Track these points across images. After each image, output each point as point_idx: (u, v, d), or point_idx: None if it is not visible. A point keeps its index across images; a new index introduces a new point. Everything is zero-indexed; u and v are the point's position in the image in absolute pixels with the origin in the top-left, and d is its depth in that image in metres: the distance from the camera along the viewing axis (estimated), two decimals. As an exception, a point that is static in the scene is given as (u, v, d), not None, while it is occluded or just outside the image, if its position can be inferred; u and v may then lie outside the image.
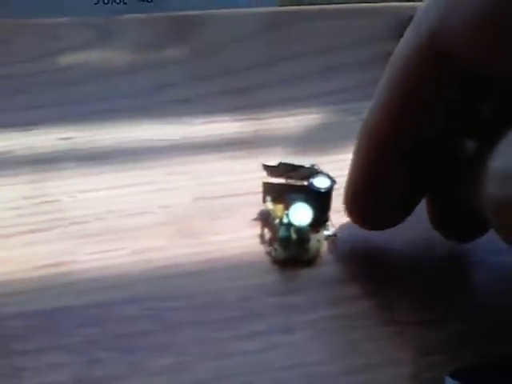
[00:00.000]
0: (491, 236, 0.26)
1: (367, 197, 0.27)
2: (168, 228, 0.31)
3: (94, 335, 0.26)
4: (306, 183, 0.30)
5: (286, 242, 0.29)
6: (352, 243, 0.30)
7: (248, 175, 0.32)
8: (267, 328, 0.27)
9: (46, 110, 0.37)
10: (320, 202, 0.30)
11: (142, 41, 0.42)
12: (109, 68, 0.40)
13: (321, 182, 0.30)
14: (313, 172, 0.30)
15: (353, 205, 0.28)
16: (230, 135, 0.35)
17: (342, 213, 0.29)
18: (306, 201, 0.29)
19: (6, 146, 0.35)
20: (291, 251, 0.29)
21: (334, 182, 0.30)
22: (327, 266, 0.29)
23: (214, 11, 0.46)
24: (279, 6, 0.48)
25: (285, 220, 0.29)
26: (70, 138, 0.35)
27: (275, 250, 0.29)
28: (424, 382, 0.25)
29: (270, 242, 0.30)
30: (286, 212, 0.29)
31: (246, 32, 0.43)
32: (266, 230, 0.30)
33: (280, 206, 0.30)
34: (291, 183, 0.30)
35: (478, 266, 0.30)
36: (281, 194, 0.30)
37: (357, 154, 0.28)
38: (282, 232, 0.29)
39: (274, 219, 0.30)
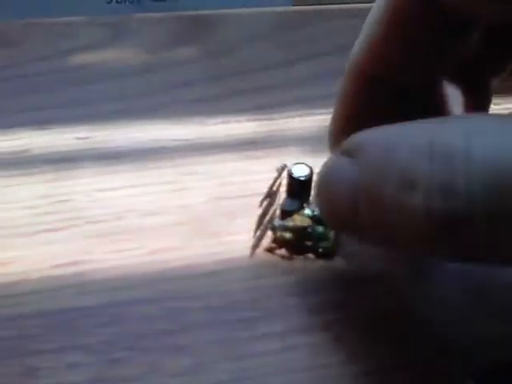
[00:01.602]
0: None
1: (352, 130, 0.27)
2: (184, 228, 0.31)
3: (112, 335, 0.26)
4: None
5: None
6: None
7: (264, 175, 0.32)
8: (284, 329, 0.27)
9: (61, 110, 0.37)
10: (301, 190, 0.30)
11: (156, 40, 0.42)
12: (123, 67, 0.40)
13: (300, 171, 0.30)
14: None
15: (337, 139, 0.28)
16: (245, 135, 0.35)
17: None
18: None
19: (22, 145, 0.35)
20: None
21: (312, 170, 0.30)
22: (341, 265, 0.29)
23: (227, 10, 0.46)
24: (293, 5, 0.47)
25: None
26: (86, 138, 0.35)
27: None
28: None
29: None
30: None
31: (261, 32, 0.43)
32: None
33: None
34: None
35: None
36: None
37: (342, 87, 0.28)
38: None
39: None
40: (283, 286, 0.29)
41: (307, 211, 0.30)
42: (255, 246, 0.30)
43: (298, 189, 0.30)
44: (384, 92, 0.27)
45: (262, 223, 0.30)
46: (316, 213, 0.29)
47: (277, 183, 0.31)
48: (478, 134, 0.20)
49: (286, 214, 0.30)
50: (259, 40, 0.42)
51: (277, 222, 0.30)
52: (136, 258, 0.29)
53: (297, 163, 0.30)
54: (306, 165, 0.30)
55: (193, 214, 0.31)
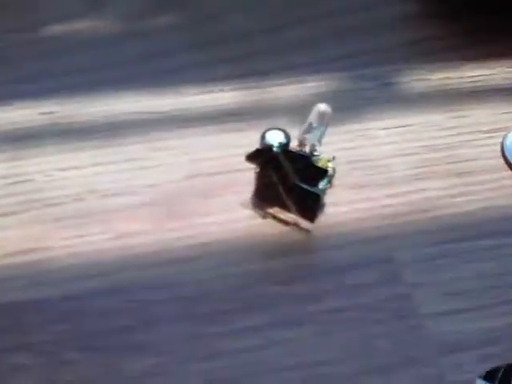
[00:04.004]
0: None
1: None
2: (154, 210, 0.27)
3: (64, 333, 0.23)
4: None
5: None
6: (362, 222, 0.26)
7: (246, 149, 0.28)
8: (266, 322, 0.23)
9: (27, 84, 0.34)
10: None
11: (134, 8, 0.38)
12: (98, 37, 0.36)
13: (274, 137, 0.26)
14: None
15: None
16: (228, 106, 0.32)
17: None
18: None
19: (-20, 123, 0.31)
20: None
21: (288, 137, 0.26)
22: (336, 250, 0.26)
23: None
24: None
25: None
26: (51, 113, 0.32)
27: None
28: (450, 386, 0.21)
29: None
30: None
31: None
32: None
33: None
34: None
35: None
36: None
37: None
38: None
39: None
40: (265, 272, 0.25)
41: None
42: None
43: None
44: None
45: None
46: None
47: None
48: None
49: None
50: (244, 6, 0.38)
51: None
52: (98, 244, 0.26)
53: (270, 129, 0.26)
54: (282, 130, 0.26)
55: (163, 194, 0.27)
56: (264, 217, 0.27)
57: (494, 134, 0.31)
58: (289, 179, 0.26)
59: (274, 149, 0.25)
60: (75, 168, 0.29)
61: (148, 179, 0.28)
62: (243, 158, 0.28)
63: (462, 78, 0.34)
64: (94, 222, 0.27)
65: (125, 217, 0.27)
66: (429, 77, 0.34)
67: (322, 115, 0.26)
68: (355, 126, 0.30)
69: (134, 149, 0.30)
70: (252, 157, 0.26)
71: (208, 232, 0.26)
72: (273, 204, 0.27)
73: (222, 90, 0.32)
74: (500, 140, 0.30)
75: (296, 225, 0.26)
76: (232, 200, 0.27)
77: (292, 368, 0.22)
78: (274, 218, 0.27)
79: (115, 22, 0.37)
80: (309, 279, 0.25)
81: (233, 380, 0.22)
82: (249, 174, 0.27)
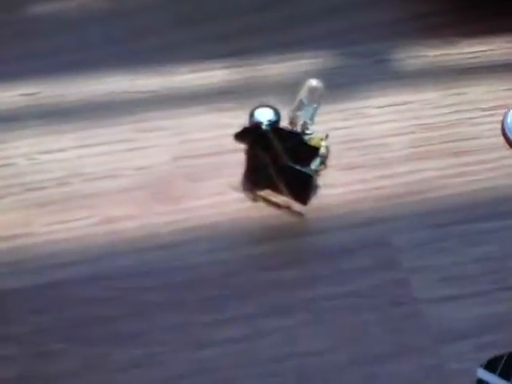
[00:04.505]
0: None
1: None
2: (141, 193, 0.26)
3: (47, 323, 0.22)
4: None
5: None
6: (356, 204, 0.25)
7: (237, 129, 0.27)
8: (256, 310, 0.22)
9: (10, 64, 0.32)
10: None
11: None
12: (83, 17, 0.35)
13: (263, 115, 0.25)
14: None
15: None
16: (218, 84, 0.30)
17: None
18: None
19: (-41, 104, 0.30)
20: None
21: (278, 115, 0.25)
22: (330, 233, 0.25)
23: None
24: None
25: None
26: (34, 94, 0.31)
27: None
28: (449, 375, 0.20)
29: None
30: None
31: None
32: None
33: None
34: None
35: None
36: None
37: None
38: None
39: None
40: (256, 257, 0.24)
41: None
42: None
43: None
44: None
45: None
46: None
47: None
48: None
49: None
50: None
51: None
52: (83, 230, 0.25)
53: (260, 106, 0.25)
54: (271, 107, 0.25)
55: (152, 177, 0.26)
56: (255, 200, 0.26)
57: (493, 112, 0.30)
58: (279, 159, 0.25)
59: (263, 126, 0.24)
60: (59, 151, 0.28)
61: (136, 161, 0.27)
62: (232, 139, 0.27)
63: (459, 54, 0.33)
64: (78, 206, 0.26)
65: (111, 201, 0.26)
66: (426, 53, 0.33)
67: (312, 91, 0.25)
68: (349, 105, 0.29)
69: (121, 130, 0.28)
70: (240, 135, 0.25)
71: (197, 216, 0.25)
72: (264, 186, 0.26)
73: (211, 69, 0.31)
74: (500, 118, 0.29)
75: (288, 208, 0.25)
76: (222, 183, 0.26)
77: (283, 358, 0.21)
78: (266, 200, 0.26)
79: (99, 1, 0.36)
80: (301, 264, 0.24)
81: (222, 370, 0.21)
82: (239, 155, 0.26)
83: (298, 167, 0.24)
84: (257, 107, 0.25)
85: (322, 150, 0.25)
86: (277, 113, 0.25)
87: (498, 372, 0.19)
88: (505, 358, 0.19)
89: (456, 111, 0.30)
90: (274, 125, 0.24)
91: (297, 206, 0.25)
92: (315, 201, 0.25)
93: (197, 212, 0.25)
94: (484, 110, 0.30)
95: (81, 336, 0.22)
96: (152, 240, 0.25)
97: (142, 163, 0.27)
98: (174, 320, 0.22)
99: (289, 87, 0.29)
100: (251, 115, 0.25)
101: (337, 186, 0.26)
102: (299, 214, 0.25)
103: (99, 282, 0.23)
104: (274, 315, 0.22)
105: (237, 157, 0.26)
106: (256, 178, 0.26)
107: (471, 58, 0.33)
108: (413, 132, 0.29)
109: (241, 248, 0.24)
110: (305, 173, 0.24)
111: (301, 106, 0.25)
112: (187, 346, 0.22)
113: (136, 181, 0.26)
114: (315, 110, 0.25)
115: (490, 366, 0.19)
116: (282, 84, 0.30)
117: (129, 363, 0.21)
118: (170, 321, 0.22)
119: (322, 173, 0.26)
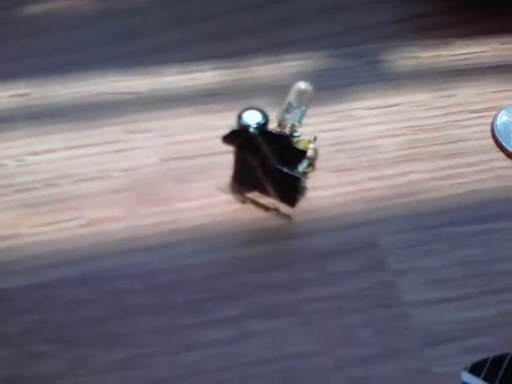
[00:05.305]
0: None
1: None
2: (129, 194, 0.26)
3: (34, 324, 0.22)
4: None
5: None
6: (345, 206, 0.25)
7: (225, 131, 0.27)
8: (243, 312, 0.22)
9: (3, 65, 0.32)
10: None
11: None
12: (74, 18, 0.35)
13: (251, 117, 0.25)
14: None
15: None
16: (206, 86, 0.30)
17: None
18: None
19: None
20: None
21: (266, 117, 0.25)
22: (318, 236, 0.25)
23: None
24: None
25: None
26: (24, 95, 0.31)
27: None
28: (435, 378, 0.20)
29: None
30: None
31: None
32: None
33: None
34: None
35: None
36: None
37: None
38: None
39: None
40: (243, 260, 0.24)
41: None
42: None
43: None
44: None
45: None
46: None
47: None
48: None
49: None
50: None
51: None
52: (71, 231, 0.25)
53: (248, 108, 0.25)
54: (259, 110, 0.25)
55: (139, 179, 0.26)
56: (243, 202, 0.26)
57: (483, 114, 0.30)
58: (267, 162, 0.25)
59: (251, 129, 0.24)
60: (48, 152, 0.28)
61: (123, 163, 0.27)
62: (220, 141, 0.27)
63: (452, 55, 0.33)
64: (66, 208, 0.26)
65: (98, 202, 0.26)
66: (418, 54, 0.33)
67: (301, 93, 0.25)
68: (339, 107, 0.29)
69: (110, 131, 0.28)
70: (228, 138, 0.25)
71: (185, 218, 0.25)
72: (252, 188, 0.26)
73: (200, 70, 0.31)
74: (490, 120, 0.29)
75: (276, 210, 0.25)
76: (210, 184, 0.26)
77: (270, 360, 0.21)
78: (254, 202, 0.26)
79: (92, 2, 0.36)
80: (289, 267, 0.24)
81: (208, 372, 0.21)
82: (228, 157, 0.26)
83: (285, 170, 0.24)
84: (245, 110, 0.25)
85: (310, 153, 0.25)
86: (265, 115, 0.25)
87: (482, 376, 0.19)
88: (489, 361, 0.19)
89: (446, 113, 0.30)
90: (261, 127, 0.24)
91: (285, 208, 0.25)
92: (303, 203, 0.25)
93: (184, 214, 0.25)
94: (474, 111, 0.30)
95: (68, 338, 0.22)
96: (138, 242, 0.24)
97: (129, 165, 0.27)
98: (160, 322, 0.22)
99: (278, 89, 0.29)
100: (239, 118, 0.25)
101: (325, 188, 0.26)
102: (287, 216, 0.25)
103: (86, 283, 0.23)
104: (261, 317, 0.22)
105: (225, 159, 0.26)
106: (244, 180, 0.26)
107: (463, 59, 0.33)
108: (403, 134, 0.29)
109: (228, 250, 0.24)
110: (292, 175, 0.24)
111: (289, 108, 0.25)
112: (173, 349, 0.21)
113: (123, 182, 0.26)
114: (303, 112, 0.25)
115: (475, 369, 0.19)
116: (271, 86, 0.30)
117: (112, 365, 0.21)
118: (156, 323, 0.22)
119: (311, 175, 0.26)
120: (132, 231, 0.25)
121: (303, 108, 0.25)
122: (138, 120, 0.29)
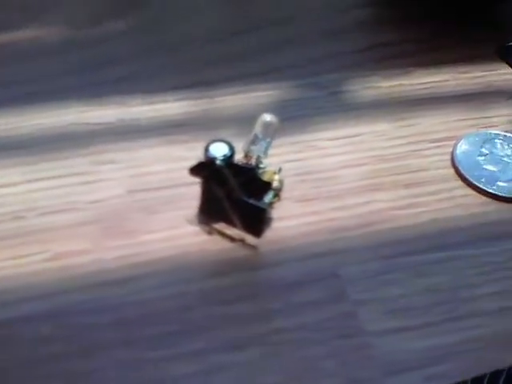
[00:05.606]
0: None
1: None
2: (95, 227, 0.26)
3: (0, 362, 0.22)
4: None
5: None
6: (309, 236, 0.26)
7: (192, 162, 0.28)
8: (210, 345, 0.22)
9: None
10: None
11: (77, 17, 0.37)
12: (39, 47, 0.35)
13: (218, 149, 0.25)
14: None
15: None
16: (173, 116, 0.31)
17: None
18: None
19: None
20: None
21: (233, 150, 0.25)
22: (283, 266, 0.25)
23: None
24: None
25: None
26: (-16, 128, 0.30)
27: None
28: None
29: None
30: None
31: (196, 4, 0.38)
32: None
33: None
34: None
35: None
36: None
37: None
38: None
39: None
40: (210, 291, 0.24)
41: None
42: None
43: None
44: None
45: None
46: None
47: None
48: None
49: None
50: (192, 14, 0.37)
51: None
52: (35, 265, 0.25)
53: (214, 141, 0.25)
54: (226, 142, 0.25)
55: (105, 211, 0.26)
56: (210, 233, 0.26)
57: (444, 143, 0.31)
58: (234, 193, 0.25)
59: (218, 161, 0.24)
60: (13, 185, 0.27)
61: (90, 195, 0.27)
62: (186, 172, 0.27)
63: (413, 85, 0.34)
64: (31, 241, 0.25)
65: (64, 235, 0.26)
66: (380, 84, 0.33)
67: (267, 126, 0.26)
68: (303, 137, 0.30)
69: (76, 163, 0.28)
70: (195, 170, 0.25)
71: (151, 250, 0.25)
72: (218, 219, 0.26)
73: (167, 101, 0.31)
74: (450, 149, 0.30)
75: (242, 241, 0.25)
76: (177, 216, 0.26)
77: (236, 393, 0.21)
78: (220, 233, 0.26)
79: (57, 32, 0.36)
80: (255, 298, 0.24)
81: (176, 406, 0.21)
82: (194, 188, 0.26)
83: (251, 201, 0.25)
84: (212, 142, 0.25)
85: (275, 184, 0.26)
86: (231, 147, 0.25)
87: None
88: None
89: (407, 143, 0.30)
90: (228, 160, 0.25)
91: (251, 238, 0.25)
92: (269, 233, 0.26)
93: (150, 246, 0.25)
94: (434, 141, 0.30)
95: (33, 375, 0.21)
96: (105, 275, 0.24)
97: (95, 197, 0.27)
98: (127, 356, 0.22)
99: (244, 119, 0.30)
100: (206, 150, 0.25)
101: (290, 219, 0.27)
102: (253, 246, 0.25)
103: (51, 319, 0.23)
104: (228, 350, 0.22)
105: (191, 190, 0.26)
106: (211, 211, 0.26)
107: (424, 88, 0.34)
108: (365, 164, 0.29)
109: (195, 282, 0.24)
110: (258, 207, 0.25)
111: (255, 140, 0.26)
112: (142, 383, 0.21)
113: (90, 215, 0.26)
114: (269, 143, 0.26)
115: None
116: (238, 116, 0.31)
117: (80, 402, 0.21)
118: (120, 358, 0.22)
119: (276, 205, 0.26)
120: (98, 264, 0.25)
121: (268, 140, 0.26)
122: (104, 151, 0.29)
